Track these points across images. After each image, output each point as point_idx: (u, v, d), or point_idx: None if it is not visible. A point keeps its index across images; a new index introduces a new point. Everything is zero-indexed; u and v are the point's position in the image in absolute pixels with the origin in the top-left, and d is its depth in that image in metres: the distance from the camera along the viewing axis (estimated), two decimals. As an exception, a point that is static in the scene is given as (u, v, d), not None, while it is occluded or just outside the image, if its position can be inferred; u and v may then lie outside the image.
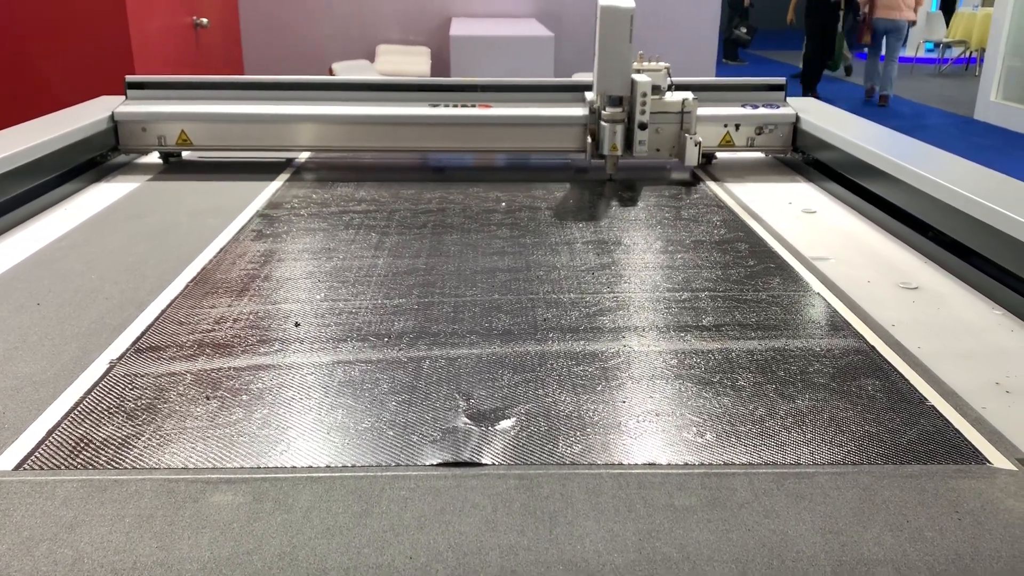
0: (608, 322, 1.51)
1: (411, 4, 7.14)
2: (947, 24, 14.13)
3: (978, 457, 1.08)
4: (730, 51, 13.74)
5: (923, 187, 1.89)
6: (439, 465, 1.06)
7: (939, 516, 0.95)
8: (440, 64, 6.79)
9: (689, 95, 2.52)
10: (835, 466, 1.06)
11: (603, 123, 2.47)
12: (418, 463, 1.06)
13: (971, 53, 13.34)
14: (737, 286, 1.68)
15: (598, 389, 1.26)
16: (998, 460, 1.07)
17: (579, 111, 2.60)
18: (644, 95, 2.39)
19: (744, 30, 13.35)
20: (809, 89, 10.38)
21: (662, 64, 2.53)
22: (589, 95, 2.59)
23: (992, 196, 1.67)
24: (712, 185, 2.47)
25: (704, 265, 1.81)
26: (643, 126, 2.42)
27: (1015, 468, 1.05)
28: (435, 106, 2.64)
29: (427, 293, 1.63)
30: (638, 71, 2.47)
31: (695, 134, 2.47)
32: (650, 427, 1.15)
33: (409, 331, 1.46)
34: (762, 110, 2.68)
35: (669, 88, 2.54)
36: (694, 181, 2.53)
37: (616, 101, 2.46)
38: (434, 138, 2.63)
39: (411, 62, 6.55)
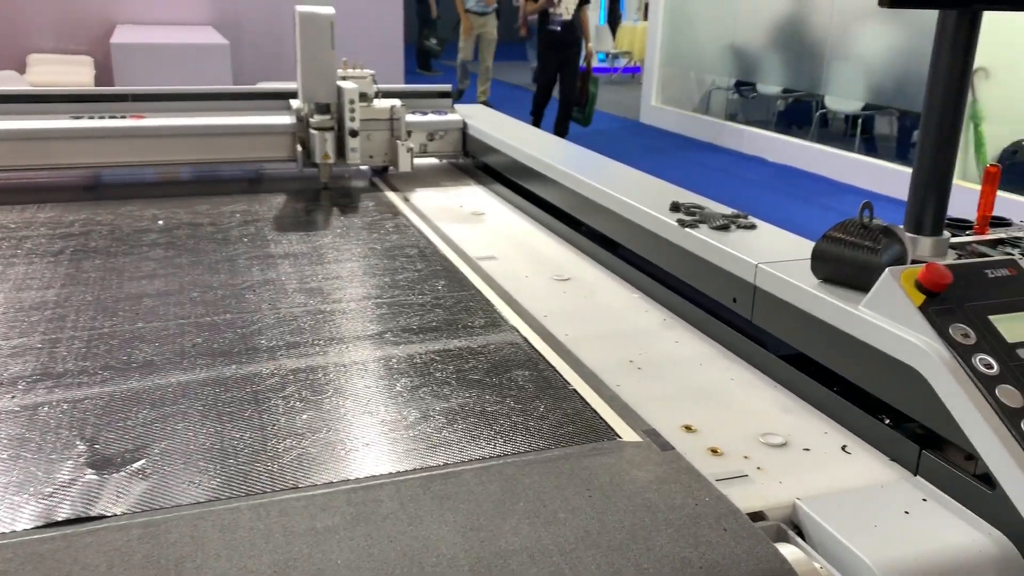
0: (265, 342, 1.43)
1: (69, 9, 6.47)
2: (614, 36, 15.58)
3: (610, 433, 1.15)
4: (423, 62, 14.07)
5: (573, 186, 2.02)
6: (44, 527, 0.92)
7: (573, 496, 0.99)
8: (106, 75, 6.22)
9: (397, 102, 2.55)
10: (481, 461, 1.07)
11: (312, 131, 2.41)
12: (18, 529, 0.92)
13: (636, 62, 14.82)
14: (404, 291, 1.68)
15: (246, 415, 1.18)
16: (627, 434, 1.15)
17: (286, 119, 2.53)
18: (352, 102, 2.38)
19: (434, 41, 13.72)
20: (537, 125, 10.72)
21: (367, 71, 2.55)
22: (295, 103, 2.53)
23: (630, 192, 1.82)
24: (388, 193, 2.46)
25: (373, 272, 1.79)
26: (354, 133, 2.40)
27: (640, 440, 1.13)
28: (80, 118, 2.38)
29: (55, 328, 1.44)
30: (343, 78, 2.46)
31: (407, 140, 2.51)
32: (297, 450, 1.10)
33: (27, 375, 1.27)
34: (432, 116, 2.73)
35: (376, 95, 2.56)
36: (371, 189, 2.51)
37: (324, 108, 2.41)
38: (93, 153, 2.36)
39: (70, 73, 5.93)
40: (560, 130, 8.38)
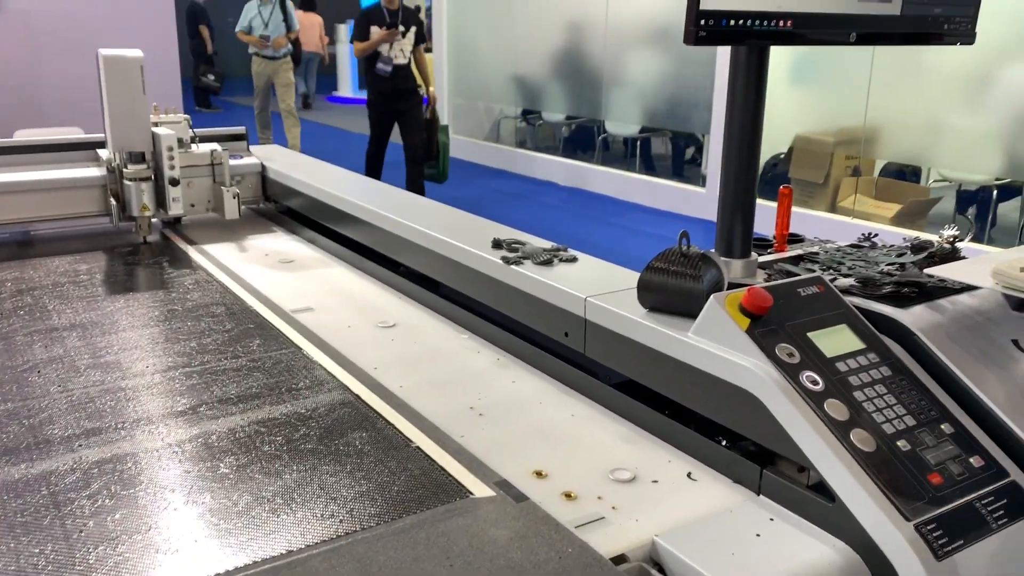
0: (59, 431, 1.25)
1: None
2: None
3: (462, 491, 1.10)
4: (201, 98, 13.44)
5: (387, 227, 1.95)
6: None
7: (434, 569, 0.93)
8: None
9: (217, 146, 2.41)
10: (328, 543, 0.98)
11: (127, 182, 2.21)
12: None
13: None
14: (214, 356, 1.54)
15: (45, 524, 1.02)
16: (479, 489, 1.10)
17: (95, 171, 2.32)
18: (170, 148, 2.22)
19: (212, 77, 13.15)
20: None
21: (181, 116, 2.39)
22: (104, 153, 2.32)
23: (449, 231, 1.79)
24: (184, 246, 2.28)
25: (177, 338, 1.63)
26: (175, 182, 2.22)
27: (494, 493, 1.09)
28: None
29: None
30: (156, 124, 2.29)
31: (232, 186, 2.36)
32: (113, 558, 0.96)
33: None
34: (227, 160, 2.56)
35: (193, 140, 2.41)
36: (165, 243, 2.32)
37: (139, 157, 2.22)
38: None
39: None
40: (413, 191, 6.84)
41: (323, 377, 1.46)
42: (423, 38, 6.75)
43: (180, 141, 2.32)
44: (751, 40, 1.21)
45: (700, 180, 8.02)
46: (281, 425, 1.28)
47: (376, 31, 6.54)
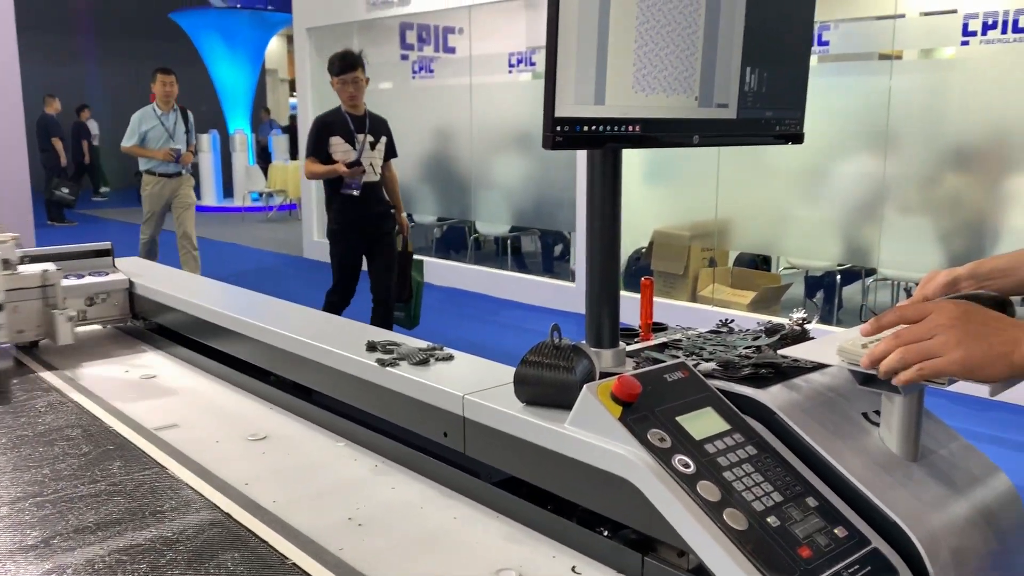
0: None
1: None
2: (266, 175, 15.57)
3: (344, 606, 1.06)
4: (55, 213, 12.89)
5: (259, 336, 1.90)
6: None
7: None
8: None
9: (51, 266, 2.25)
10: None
11: None
12: None
13: (291, 199, 14.88)
14: (69, 482, 1.44)
15: None
16: (362, 602, 1.06)
17: None
18: None
19: (66, 190, 12.67)
20: None
21: (8, 234, 2.21)
22: None
23: (321, 337, 1.76)
24: (39, 369, 2.14)
25: (27, 465, 1.51)
26: None
27: (377, 606, 1.05)
28: None
29: None
30: None
31: (66, 308, 2.20)
32: None
33: None
34: (90, 279, 2.45)
35: (22, 260, 2.24)
36: (16, 367, 2.17)
37: None
38: None
39: None
40: None
41: (190, 497, 1.39)
42: (394, 151, 5.46)
43: (6, 262, 2.18)
44: (605, 144, 1.29)
45: (570, 275, 8.28)
46: (145, 552, 1.20)
47: (338, 143, 5.17)
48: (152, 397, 1.92)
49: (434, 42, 9.31)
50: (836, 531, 1.10)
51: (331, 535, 1.25)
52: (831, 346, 1.24)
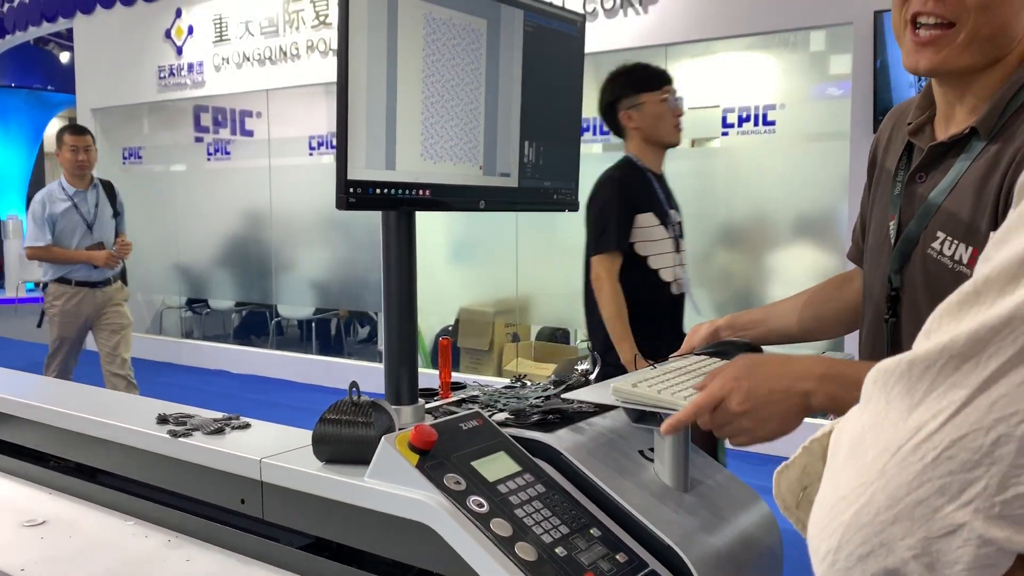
0: None
1: None
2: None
3: None
4: None
5: (37, 417, 1.78)
6: None
7: None
8: None
9: None
10: None
11: None
12: None
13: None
14: None
15: None
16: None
17: None
18: None
19: None
20: None
21: None
22: None
23: (106, 412, 1.68)
24: None
25: None
26: None
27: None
28: None
29: None
30: None
31: None
32: None
33: None
34: None
35: None
36: None
37: None
38: None
39: None
40: None
41: (-46, 589, 1.27)
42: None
43: None
44: (397, 207, 1.37)
45: (377, 357, 8.22)
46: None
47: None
48: (-94, 492, 1.73)
49: (231, 125, 9.16)
50: (618, 557, 1.19)
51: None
52: (607, 388, 1.36)
